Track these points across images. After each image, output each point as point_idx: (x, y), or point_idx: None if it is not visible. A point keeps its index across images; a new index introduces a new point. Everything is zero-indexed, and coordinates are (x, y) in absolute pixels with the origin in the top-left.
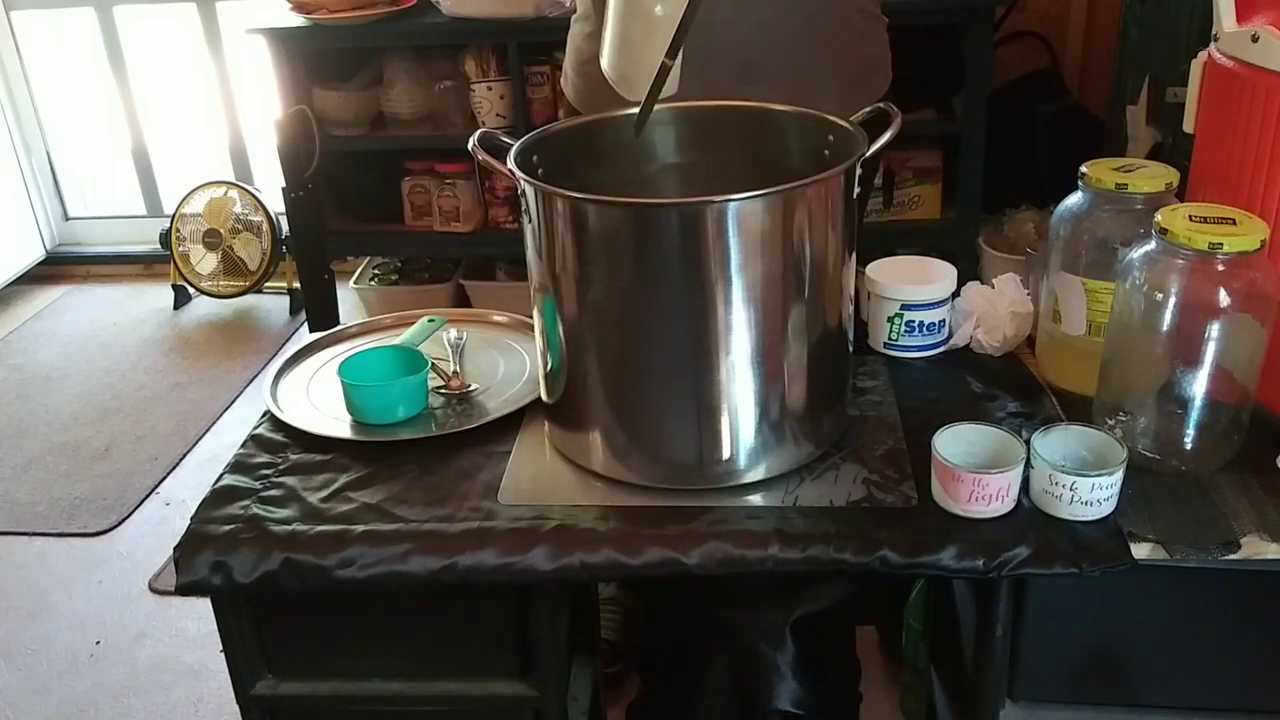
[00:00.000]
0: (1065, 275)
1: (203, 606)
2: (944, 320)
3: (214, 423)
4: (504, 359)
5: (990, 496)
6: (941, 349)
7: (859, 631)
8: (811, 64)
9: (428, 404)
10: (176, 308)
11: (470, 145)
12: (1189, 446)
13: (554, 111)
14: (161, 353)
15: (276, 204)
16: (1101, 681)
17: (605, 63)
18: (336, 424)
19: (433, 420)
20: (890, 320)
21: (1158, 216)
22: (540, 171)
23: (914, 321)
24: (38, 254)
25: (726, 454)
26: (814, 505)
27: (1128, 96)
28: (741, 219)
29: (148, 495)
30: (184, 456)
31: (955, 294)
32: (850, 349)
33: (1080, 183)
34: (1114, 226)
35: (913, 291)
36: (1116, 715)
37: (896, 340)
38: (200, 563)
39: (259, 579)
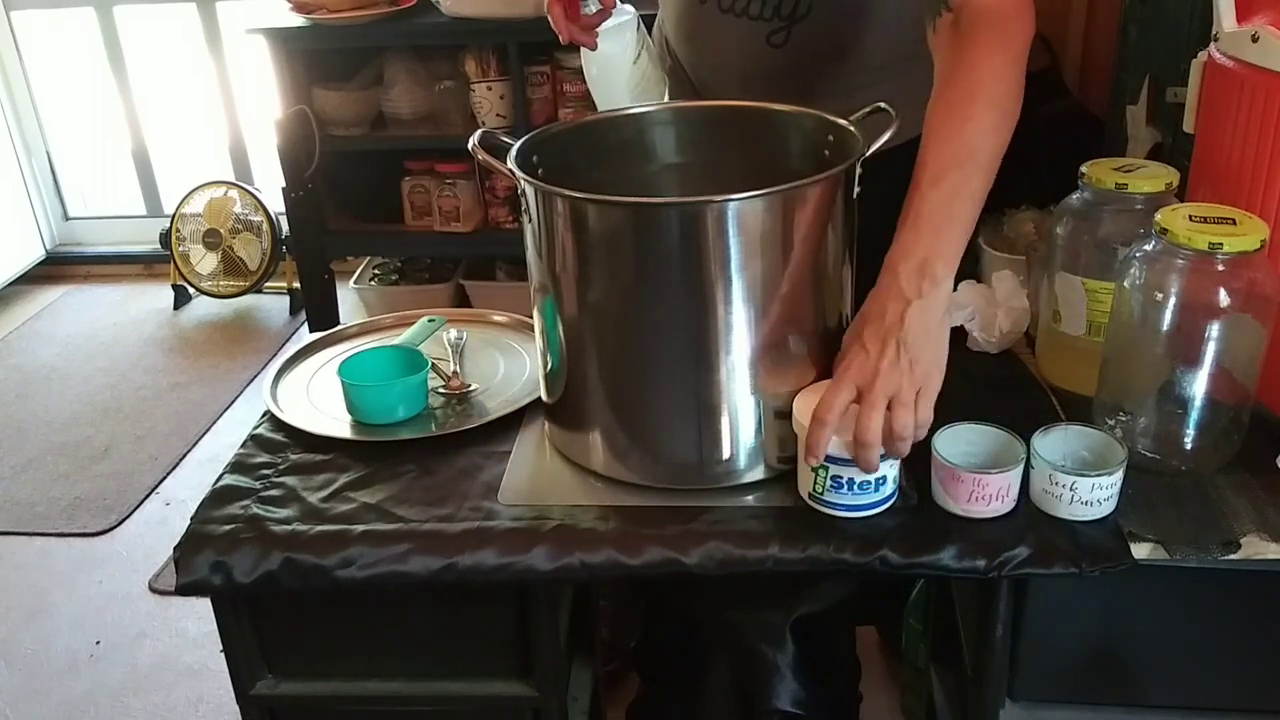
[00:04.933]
0: (1065, 275)
1: (203, 606)
2: (885, 476)
3: (214, 423)
4: (504, 359)
5: (990, 496)
6: (882, 508)
7: (859, 631)
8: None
9: (428, 404)
10: (176, 308)
11: (470, 145)
12: (1189, 446)
13: (554, 111)
14: (161, 353)
15: (276, 204)
16: (1101, 681)
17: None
18: (336, 424)
19: (433, 420)
20: (815, 471)
21: (1158, 216)
22: (540, 171)
23: (843, 478)
24: (38, 254)
25: (726, 454)
26: (812, 506)
27: (1128, 96)
28: (741, 219)
29: (148, 495)
30: (184, 456)
31: None
32: None
33: (1080, 183)
34: (1114, 226)
35: (846, 444)
36: (1116, 715)
37: (821, 494)
38: (200, 563)
39: (259, 579)
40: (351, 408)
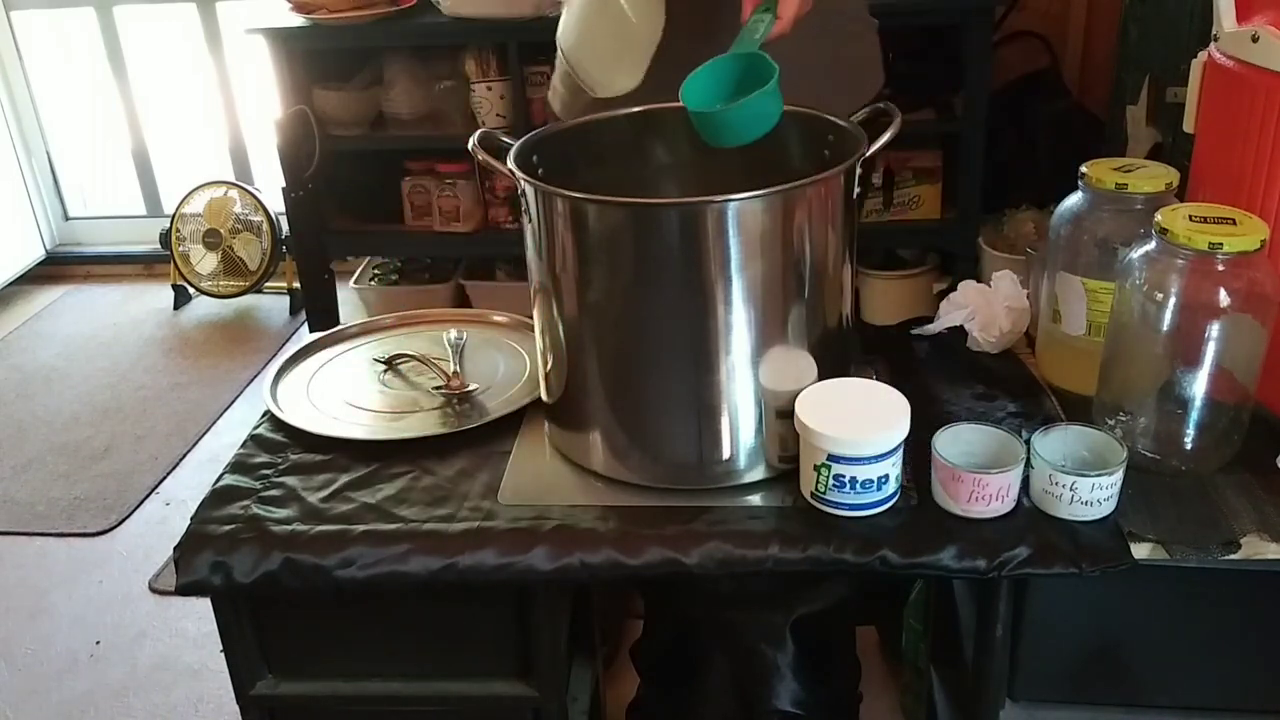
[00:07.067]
0: (1065, 275)
1: (203, 606)
2: (888, 474)
3: (214, 423)
4: (504, 359)
5: (990, 496)
6: (885, 507)
7: (859, 631)
8: (804, 69)
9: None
10: (176, 308)
11: (470, 145)
12: (1189, 446)
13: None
14: (161, 353)
15: (276, 204)
16: (1101, 681)
17: (565, 42)
18: (336, 424)
19: (433, 420)
20: (817, 470)
21: (1158, 216)
22: (540, 171)
23: (844, 477)
24: (38, 254)
25: (726, 454)
26: (814, 505)
27: (1128, 96)
28: (741, 219)
29: (148, 495)
30: (184, 456)
31: (908, 439)
32: (850, 349)
33: (1080, 183)
34: (1114, 226)
35: (848, 443)
36: (1116, 715)
37: (824, 493)
38: (200, 563)
39: (259, 579)
40: (710, 133)
